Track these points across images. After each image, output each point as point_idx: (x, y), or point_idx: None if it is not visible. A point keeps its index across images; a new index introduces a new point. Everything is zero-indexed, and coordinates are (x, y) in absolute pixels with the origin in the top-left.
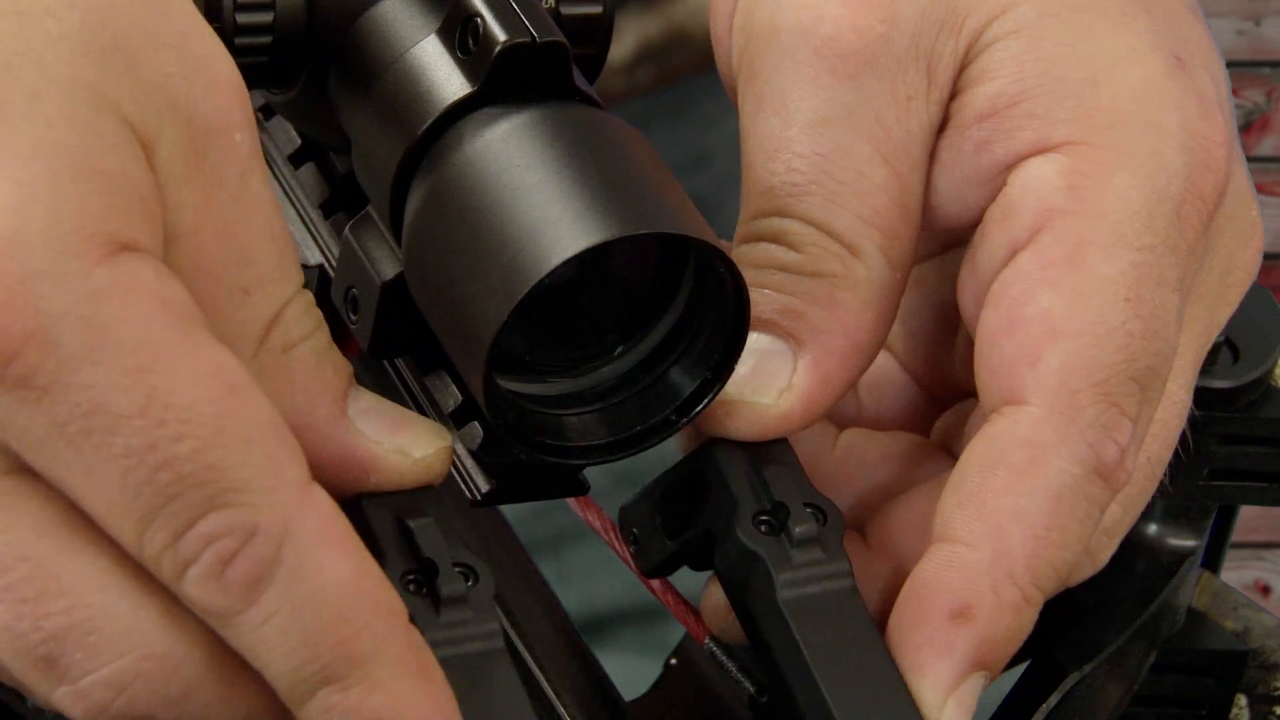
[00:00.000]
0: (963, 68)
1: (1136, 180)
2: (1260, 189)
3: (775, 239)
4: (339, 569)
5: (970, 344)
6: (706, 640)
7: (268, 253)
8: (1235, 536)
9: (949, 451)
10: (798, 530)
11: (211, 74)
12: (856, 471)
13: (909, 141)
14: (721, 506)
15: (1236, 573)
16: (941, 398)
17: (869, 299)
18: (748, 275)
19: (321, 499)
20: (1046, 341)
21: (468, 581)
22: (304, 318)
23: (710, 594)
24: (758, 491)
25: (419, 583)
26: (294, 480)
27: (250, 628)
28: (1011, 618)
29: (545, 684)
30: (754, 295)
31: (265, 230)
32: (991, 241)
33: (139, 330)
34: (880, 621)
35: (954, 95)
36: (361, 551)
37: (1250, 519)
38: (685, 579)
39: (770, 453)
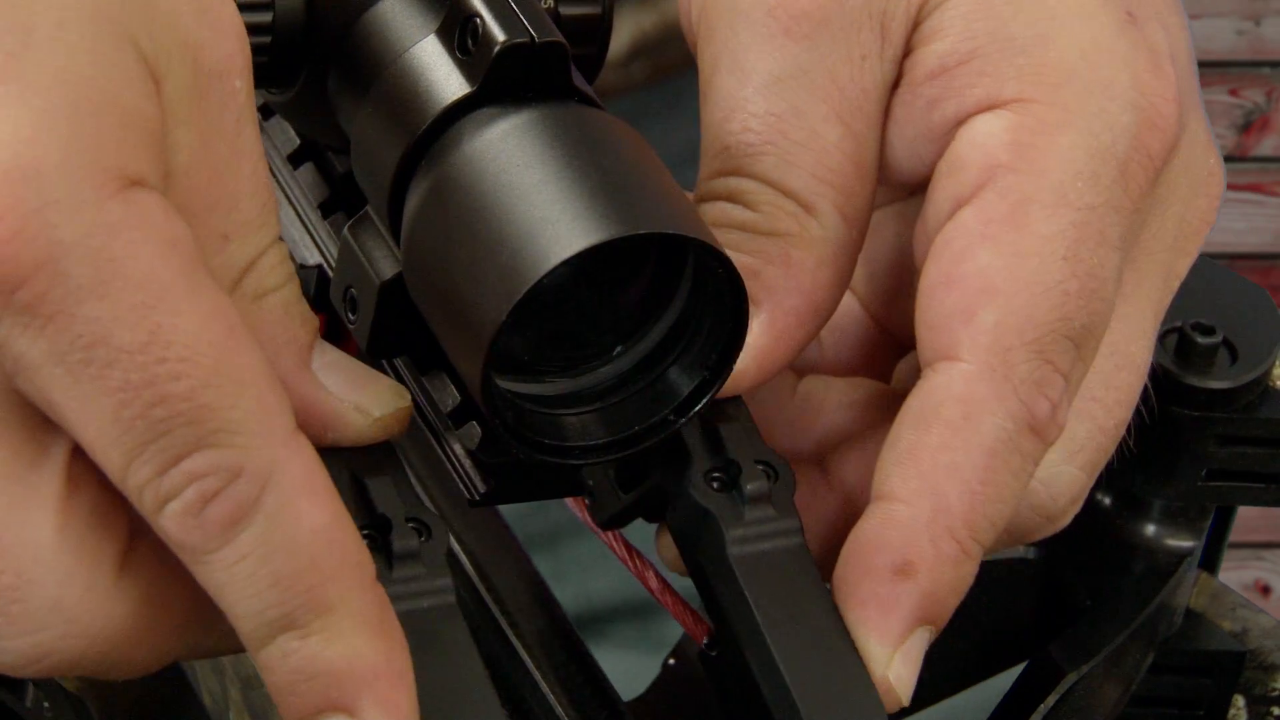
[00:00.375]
0: (915, 25)
1: (1082, 139)
2: (1260, 189)
3: (732, 198)
4: (316, 518)
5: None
6: (705, 640)
7: (252, 201)
8: (1235, 536)
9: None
10: (749, 487)
11: (218, 17)
12: (815, 418)
13: (863, 100)
14: (675, 462)
15: (1236, 573)
16: (902, 341)
17: (825, 257)
18: None
19: (305, 448)
20: (982, 299)
21: (421, 537)
22: (278, 268)
23: (664, 545)
24: (711, 448)
25: (373, 538)
26: (281, 426)
27: (222, 566)
28: (952, 571)
29: (542, 684)
30: None
31: (252, 178)
32: (938, 195)
33: (146, 267)
34: (833, 561)
35: (907, 53)
36: (338, 503)
37: (1250, 519)
38: (684, 579)
39: (724, 410)
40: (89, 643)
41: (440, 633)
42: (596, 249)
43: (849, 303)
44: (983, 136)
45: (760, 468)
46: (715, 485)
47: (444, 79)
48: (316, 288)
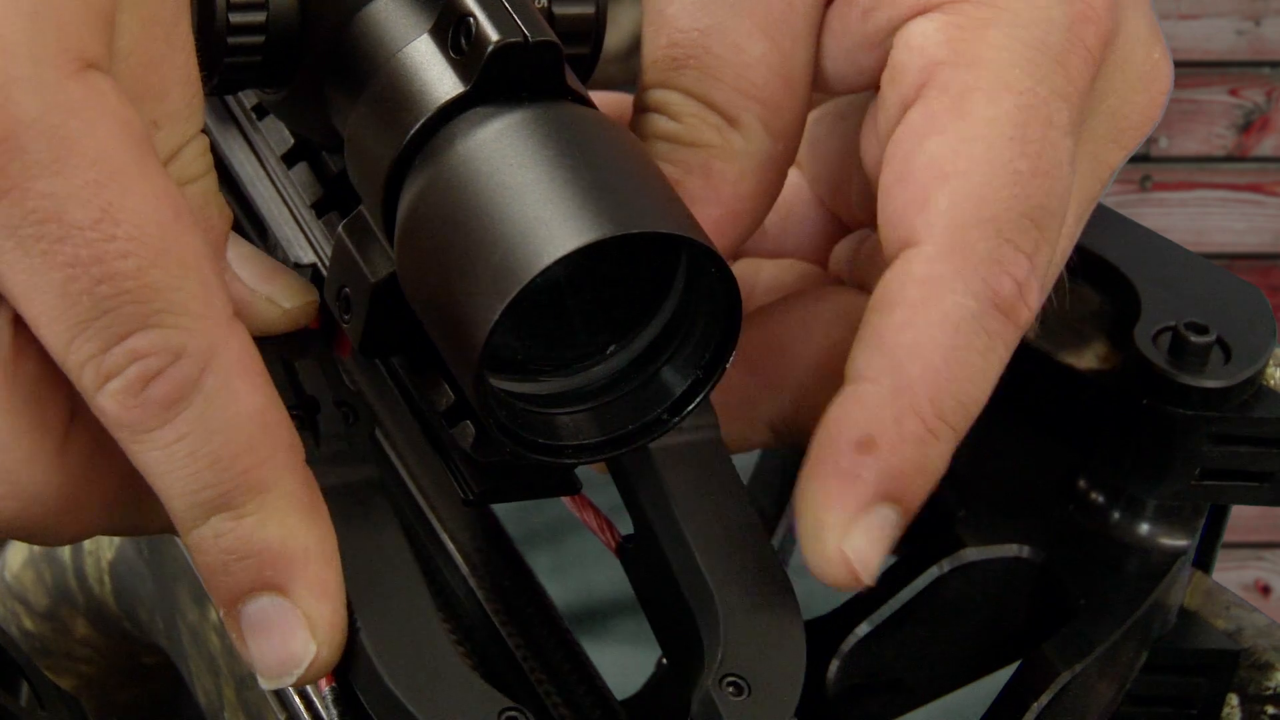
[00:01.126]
0: None
1: (1015, 31)
2: (1260, 189)
3: (658, 110)
4: (253, 400)
5: (866, 180)
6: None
7: (182, 90)
8: (1235, 536)
9: (839, 280)
10: None
11: None
12: (745, 300)
13: (790, 15)
14: None
15: (1236, 573)
16: (848, 225)
17: (747, 169)
18: None
19: (242, 332)
20: (935, 184)
21: (348, 421)
22: (200, 158)
23: None
24: None
25: (300, 419)
26: (221, 310)
27: (159, 445)
28: (915, 449)
29: (536, 684)
30: None
31: (184, 68)
32: (886, 103)
33: (100, 146)
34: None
35: None
36: (272, 387)
37: (1250, 519)
38: None
39: None
40: (24, 509)
41: (364, 509)
42: (589, 248)
43: (799, 184)
44: (918, 39)
45: None
46: None
47: (437, 78)
48: None
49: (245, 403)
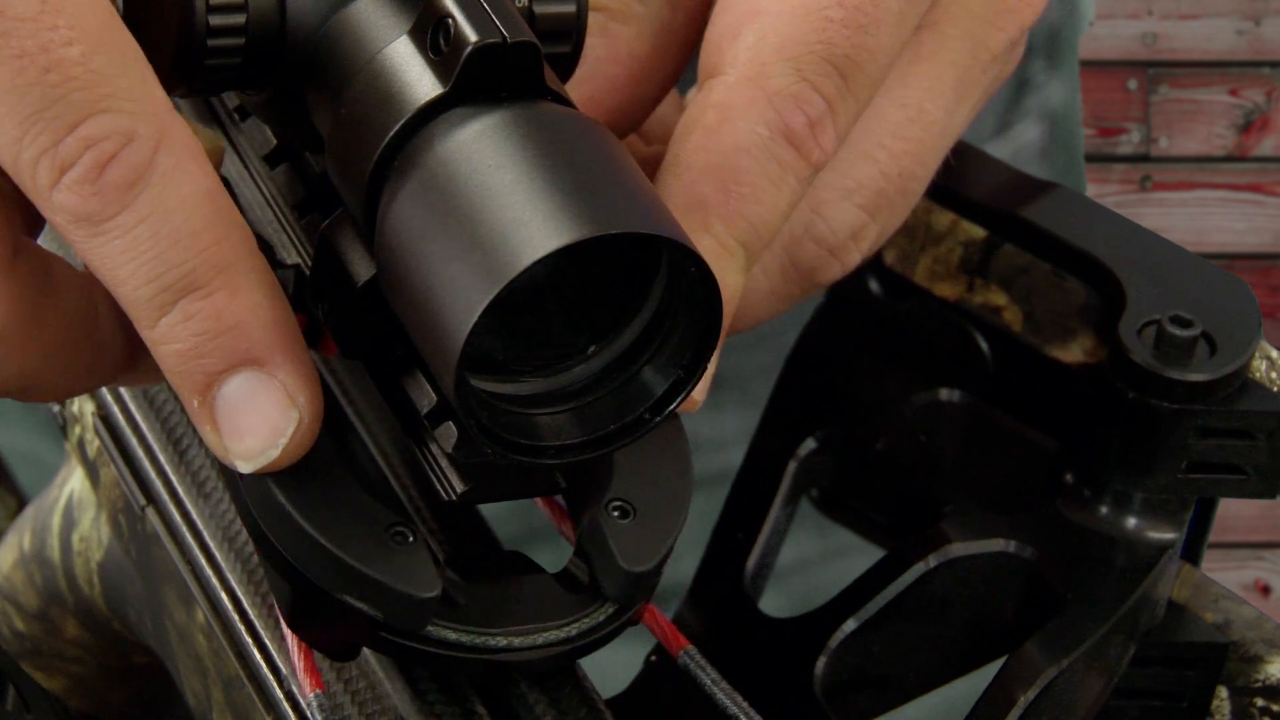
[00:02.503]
0: None
1: None
2: (1260, 189)
3: None
4: (205, 180)
5: None
6: (680, 652)
7: None
8: (1235, 536)
9: None
10: None
11: None
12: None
13: None
14: None
15: (1236, 573)
16: None
17: (644, 31)
18: None
19: (183, 121)
20: (747, 19)
21: None
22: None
23: None
24: None
25: None
26: (163, 98)
27: (122, 231)
28: (711, 264)
29: (522, 683)
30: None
31: None
32: None
33: None
34: None
35: None
36: (215, 172)
37: (1250, 519)
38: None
39: None
40: None
41: None
42: (570, 249)
43: None
44: None
45: None
46: None
47: (416, 79)
48: (294, 288)
49: (199, 182)
